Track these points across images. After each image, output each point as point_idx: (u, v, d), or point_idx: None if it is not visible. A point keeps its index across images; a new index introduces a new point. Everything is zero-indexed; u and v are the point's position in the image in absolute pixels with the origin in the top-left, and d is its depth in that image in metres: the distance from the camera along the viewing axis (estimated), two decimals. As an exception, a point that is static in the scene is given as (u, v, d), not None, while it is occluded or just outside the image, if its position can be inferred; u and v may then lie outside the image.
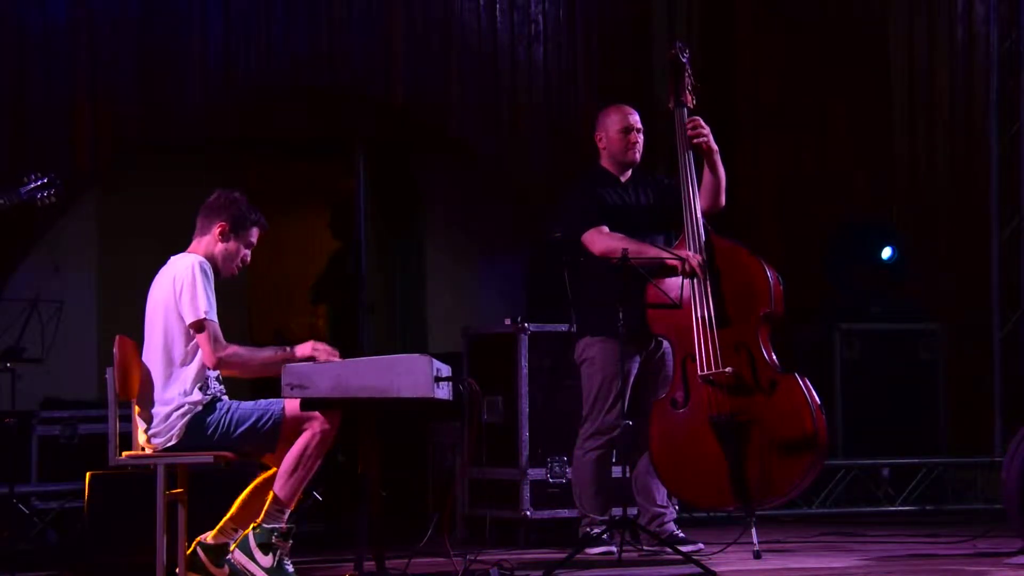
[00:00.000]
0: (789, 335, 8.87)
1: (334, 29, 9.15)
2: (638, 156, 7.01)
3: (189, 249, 6.01)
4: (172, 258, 6.00)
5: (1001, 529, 7.10)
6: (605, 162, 7.05)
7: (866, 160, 10.03)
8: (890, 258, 9.57)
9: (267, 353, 5.89)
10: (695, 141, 6.80)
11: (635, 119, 7.00)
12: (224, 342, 5.83)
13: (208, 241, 6.00)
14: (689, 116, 6.88)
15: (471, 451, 7.75)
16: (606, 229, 6.82)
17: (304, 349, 5.83)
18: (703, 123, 6.82)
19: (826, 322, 9.29)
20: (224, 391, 5.98)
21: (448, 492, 7.84)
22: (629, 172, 7.04)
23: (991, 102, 9.58)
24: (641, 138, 7.01)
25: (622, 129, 6.98)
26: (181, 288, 5.82)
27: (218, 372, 5.92)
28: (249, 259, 6.10)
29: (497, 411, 7.61)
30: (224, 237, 6.00)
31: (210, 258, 5.95)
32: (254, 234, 6.06)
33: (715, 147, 6.84)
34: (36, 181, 6.17)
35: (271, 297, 11.21)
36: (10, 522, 7.51)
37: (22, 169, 6.33)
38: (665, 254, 6.67)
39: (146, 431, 5.84)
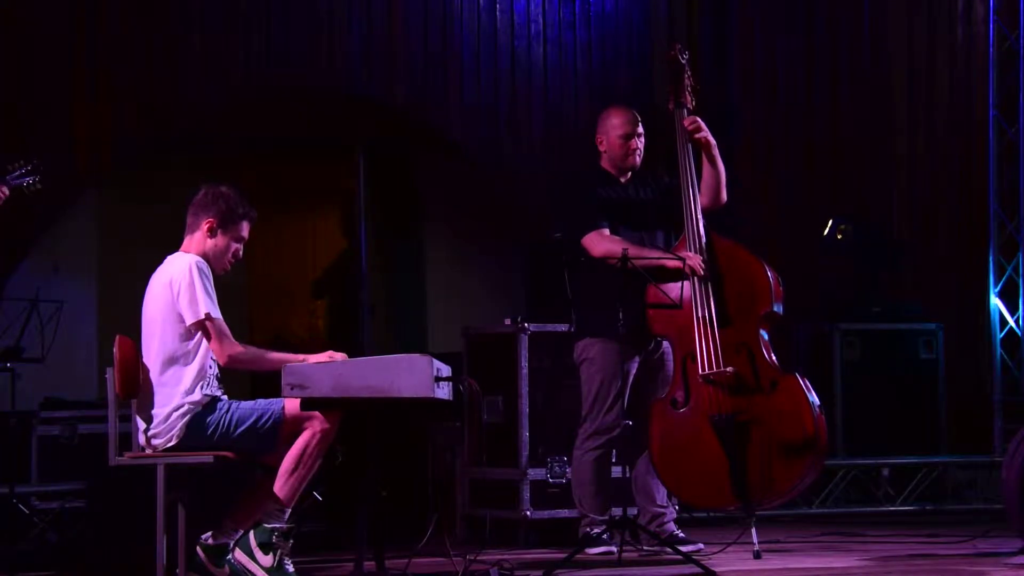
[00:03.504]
0: (789, 335, 8.89)
1: (334, 29, 9.15)
2: (638, 161, 7.01)
3: (181, 248, 6.00)
4: (168, 258, 5.99)
5: (1001, 529, 7.10)
6: (605, 163, 7.05)
7: (866, 160, 10.03)
8: (896, 260, 9.58)
9: (280, 356, 5.86)
10: (695, 136, 6.80)
11: (636, 124, 6.98)
12: (232, 339, 5.82)
13: (198, 239, 5.99)
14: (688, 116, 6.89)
15: (471, 451, 7.75)
16: (606, 232, 6.82)
17: (320, 359, 5.81)
18: (699, 119, 6.83)
19: (826, 322, 9.29)
20: (223, 390, 5.97)
21: (447, 492, 7.85)
22: (629, 173, 7.04)
23: (991, 102, 9.59)
24: (642, 142, 7.00)
25: (623, 135, 6.97)
26: (179, 289, 5.81)
27: (217, 371, 5.92)
28: (241, 254, 6.06)
29: (497, 411, 7.61)
30: (212, 234, 5.97)
31: (203, 256, 5.94)
32: (244, 228, 6.02)
33: (713, 140, 6.85)
34: (20, 168, 6.17)
35: (271, 297, 11.20)
36: (10, 522, 7.52)
37: (3, 170, 6.33)
38: (665, 257, 6.66)
39: (146, 431, 5.84)
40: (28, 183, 6.19)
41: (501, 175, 9.62)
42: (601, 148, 7.05)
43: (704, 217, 6.79)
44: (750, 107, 9.97)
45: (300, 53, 9.11)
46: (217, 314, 5.81)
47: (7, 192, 6.12)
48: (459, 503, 7.82)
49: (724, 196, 6.91)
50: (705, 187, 6.86)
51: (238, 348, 5.82)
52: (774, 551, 6.85)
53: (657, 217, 6.95)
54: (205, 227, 5.97)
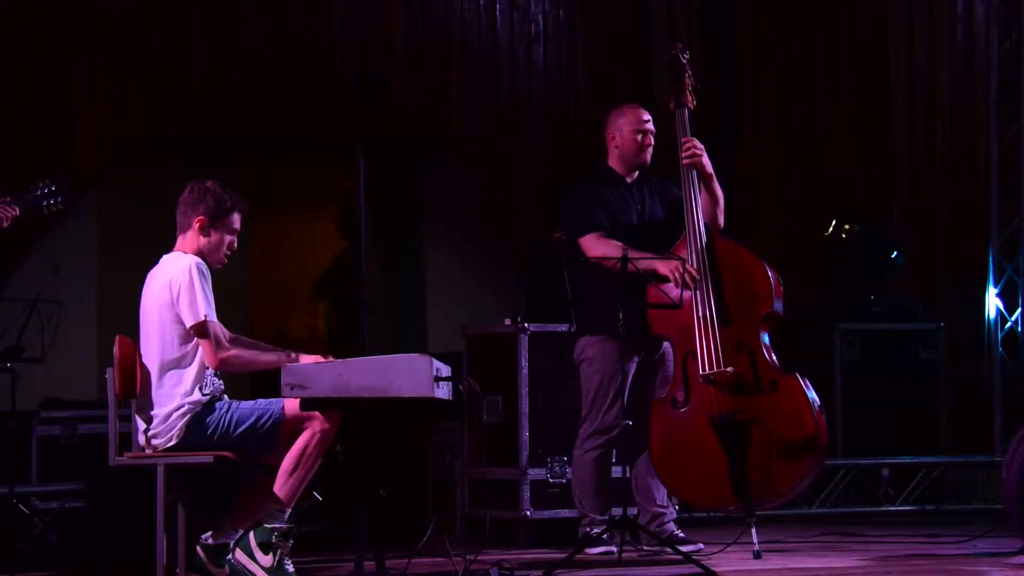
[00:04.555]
0: (789, 335, 8.88)
1: (333, 29, 9.15)
2: (649, 158, 7.01)
3: (176, 247, 6.00)
4: (164, 258, 5.99)
5: (1001, 529, 7.10)
6: (613, 161, 7.03)
7: (866, 160, 10.03)
8: (893, 259, 9.58)
9: (270, 357, 5.89)
10: (685, 162, 6.78)
11: (649, 121, 6.99)
12: (226, 344, 5.83)
13: (191, 237, 5.99)
14: (690, 116, 6.88)
15: (471, 451, 7.75)
16: (603, 235, 6.80)
17: (308, 360, 5.81)
18: (699, 144, 6.80)
19: (826, 322, 9.28)
20: (223, 389, 5.97)
21: (447, 492, 7.84)
22: (636, 173, 7.03)
23: (991, 102, 9.58)
24: (653, 139, 7.01)
25: (637, 131, 6.96)
26: (179, 291, 5.81)
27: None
28: (236, 245, 6.07)
29: (497, 411, 7.61)
30: (205, 231, 5.98)
31: (198, 254, 5.94)
32: (235, 220, 6.03)
33: (711, 171, 6.82)
34: (43, 188, 6.19)
35: (271, 297, 11.20)
36: (10, 522, 7.51)
37: (23, 169, 6.36)
38: (660, 262, 6.65)
39: (146, 431, 5.84)
40: (49, 204, 6.20)
41: (501, 175, 9.61)
42: (613, 145, 7.02)
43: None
44: (750, 107, 9.97)
45: (300, 53, 9.10)
46: (213, 317, 5.81)
47: (17, 211, 6.13)
48: (459, 503, 7.82)
49: (721, 221, 6.88)
50: (701, 212, 6.82)
51: (230, 352, 5.82)
52: (774, 551, 6.85)
53: (662, 235, 6.90)
54: (196, 225, 5.98)
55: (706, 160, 6.80)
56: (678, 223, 6.81)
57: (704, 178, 6.82)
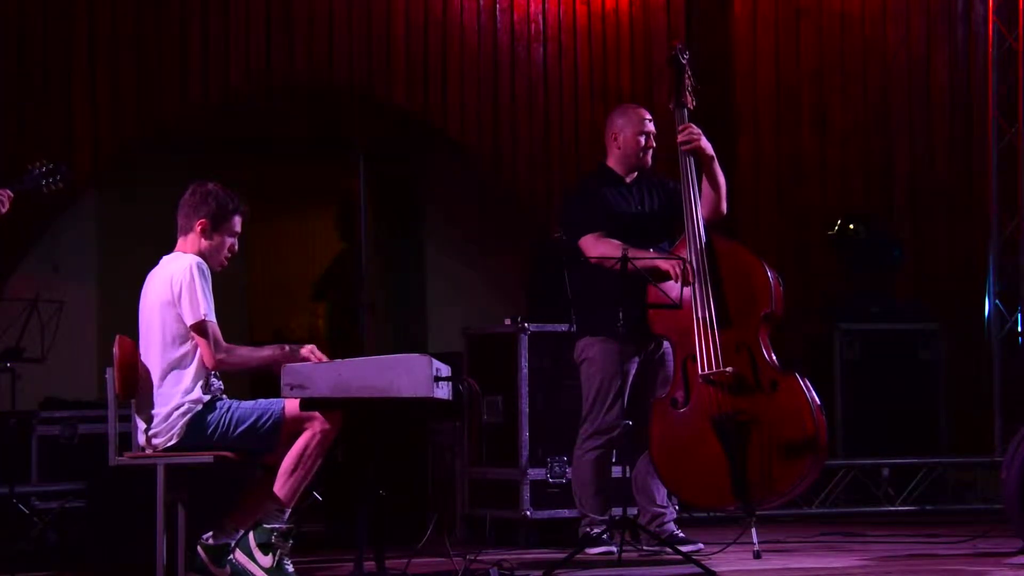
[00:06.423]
0: (789, 335, 8.89)
1: (334, 29, 9.15)
2: (650, 160, 7.00)
3: (176, 249, 6.00)
4: (164, 259, 5.99)
5: (1001, 529, 7.10)
6: (612, 161, 7.02)
7: (866, 160, 10.03)
8: (895, 259, 9.58)
9: (267, 352, 5.89)
10: (684, 148, 6.77)
11: (651, 121, 6.99)
12: (224, 342, 5.83)
13: (193, 239, 5.98)
14: (690, 117, 6.87)
15: (471, 451, 7.75)
16: (603, 234, 6.80)
17: (305, 351, 5.81)
18: (696, 129, 6.79)
19: (826, 322, 9.28)
20: (223, 389, 5.97)
21: (447, 492, 7.84)
22: (636, 173, 7.02)
23: (991, 102, 9.59)
24: (655, 142, 7.00)
25: (640, 132, 6.95)
26: (180, 290, 5.81)
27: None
28: (237, 247, 6.07)
29: (497, 411, 7.61)
30: (207, 234, 5.97)
31: (199, 255, 5.94)
32: (237, 223, 6.02)
33: (711, 153, 6.81)
34: (42, 168, 6.19)
35: (271, 297, 11.20)
36: (10, 522, 7.51)
37: (23, 169, 6.35)
38: (661, 259, 6.65)
39: (146, 431, 5.83)
40: (48, 183, 6.20)
41: (501, 175, 9.62)
42: (615, 145, 7.00)
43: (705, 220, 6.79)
44: (750, 107, 9.97)
45: (300, 53, 9.10)
46: (212, 317, 5.81)
47: (11, 194, 6.12)
48: (459, 503, 7.82)
49: (724, 208, 6.87)
50: (704, 200, 6.81)
51: (227, 352, 5.82)
52: (774, 551, 6.85)
53: (660, 229, 6.91)
54: (198, 228, 5.97)
55: (705, 143, 6.77)
56: (678, 221, 6.81)
57: (705, 161, 6.80)
